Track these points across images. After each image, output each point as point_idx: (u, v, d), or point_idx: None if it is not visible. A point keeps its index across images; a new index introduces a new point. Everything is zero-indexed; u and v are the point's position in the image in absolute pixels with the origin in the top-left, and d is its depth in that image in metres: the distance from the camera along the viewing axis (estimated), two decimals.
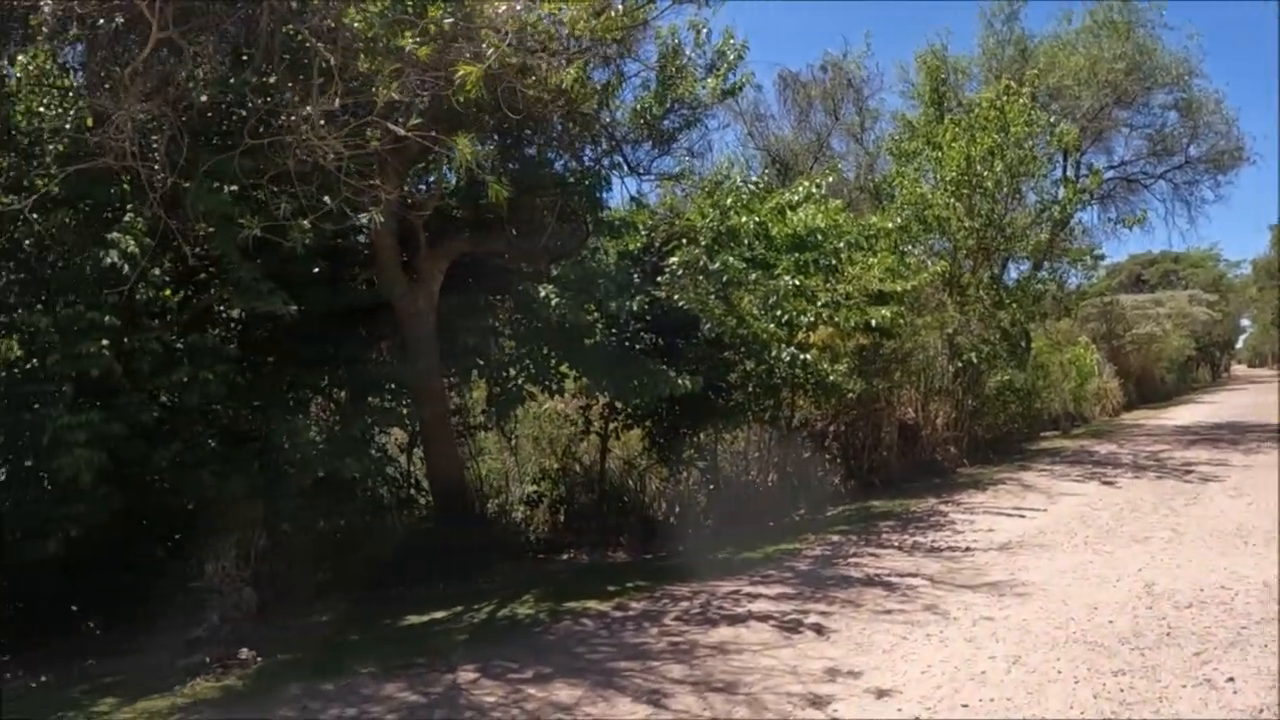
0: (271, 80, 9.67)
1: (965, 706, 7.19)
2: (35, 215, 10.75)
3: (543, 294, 13.47)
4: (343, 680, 8.59)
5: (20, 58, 10.43)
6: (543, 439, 17.15)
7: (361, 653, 9.46)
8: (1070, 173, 30.66)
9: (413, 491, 14.45)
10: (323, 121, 8.79)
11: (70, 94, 11.03)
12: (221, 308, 12.21)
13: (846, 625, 9.48)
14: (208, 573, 10.27)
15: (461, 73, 8.31)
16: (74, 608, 10.34)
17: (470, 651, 9.32)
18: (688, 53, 13.92)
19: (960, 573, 11.49)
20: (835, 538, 14.15)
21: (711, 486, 16.57)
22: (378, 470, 13.25)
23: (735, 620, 9.88)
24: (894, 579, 11.30)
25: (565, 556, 14.29)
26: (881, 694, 7.52)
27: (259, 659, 9.52)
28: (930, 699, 7.37)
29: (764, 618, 9.89)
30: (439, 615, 10.99)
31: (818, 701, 7.40)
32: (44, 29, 9.62)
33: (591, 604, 10.90)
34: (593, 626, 10.09)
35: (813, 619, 9.75)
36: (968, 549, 12.77)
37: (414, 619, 10.90)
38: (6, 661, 9.95)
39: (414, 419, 13.91)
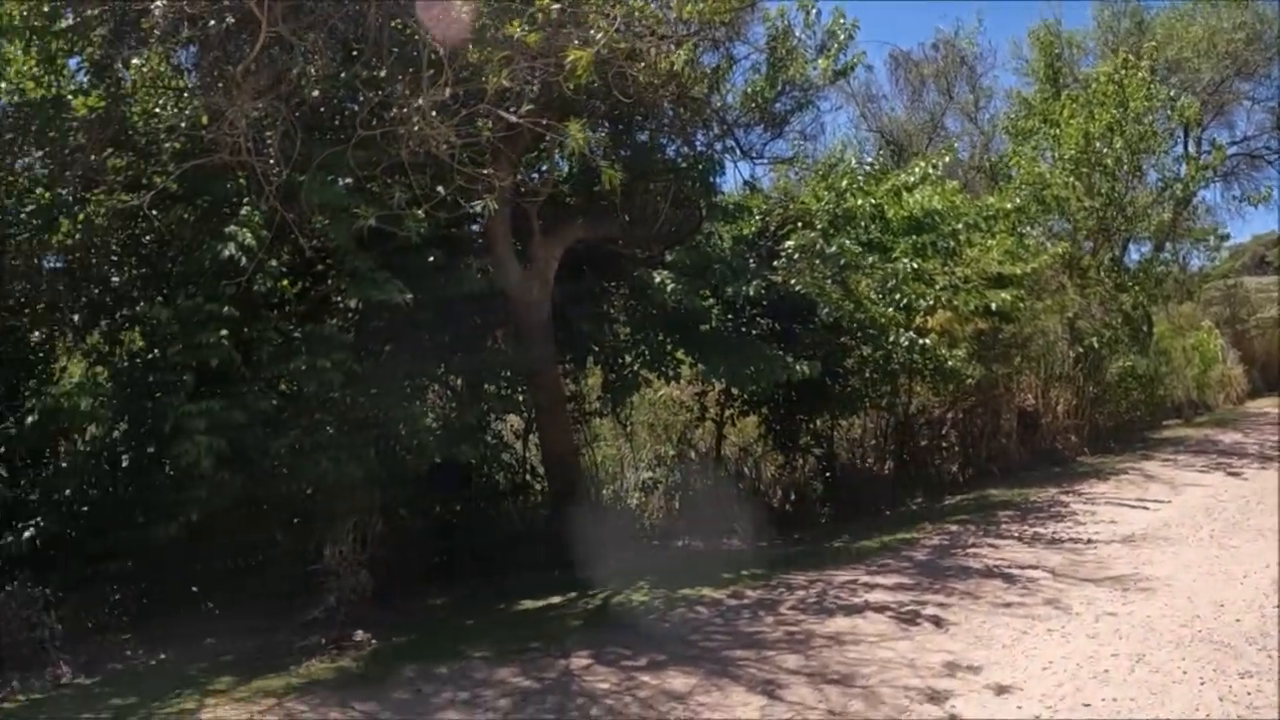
0: (381, 73, 9.73)
1: (1087, 706, 6.95)
2: (154, 212, 11.04)
3: (658, 280, 13.40)
4: (456, 664, 8.66)
5: (135, 61, 10.66)
6: (658, 425, 17.13)
7: (475, 637, 9.53)
8: (1191, 149, 29.73)
9: (528, 478, 14.48)
10: (434, 112, 8.83)
11: (184, 94, 11.29)
12: (338, 297, 12.38)
13: (965, 618, 9.27)
14: (325, 556, 10.42)
15: (572, 58, 8.30)
16: (194, 589, 10.57)
17: (584, 637, 9.33)
18: (798, 34, 13.75)
19: (1082, 566, 11.15)
20: (953, 527, 13.87)
21: (827, 474, 16.41)
22: (493, 457, 13.33)
23: (852, 610, 9.73)
24: (1014, 571, 11.02)
25: (680, 543, 14.21)
26: (1001, 690, 7.32)
27: (374, 641, 9.66)
28: (1051, 697, 7.14)
29: (881, 608, 9.73)
30: (553, 600, 11.02)
31: (936, 697, 7.24)
32: (156, 31, 9.81)
33: (706, 592, 10.80)
34: (707, 614, 10.01)
35: (931, 610, 9.55)
36: (1090, 541, 12.38)
37: (528, 604, 10.94)
38: (128, 640, 10.27)
39: (529, 406, 13.94)
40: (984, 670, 7.77)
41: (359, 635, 9.74)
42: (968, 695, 7.26)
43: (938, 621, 9.19)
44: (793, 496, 16.03)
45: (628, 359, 14.71)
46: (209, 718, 7.77)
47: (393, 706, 7.77)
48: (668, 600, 10.62)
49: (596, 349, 14.57)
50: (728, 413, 16.05)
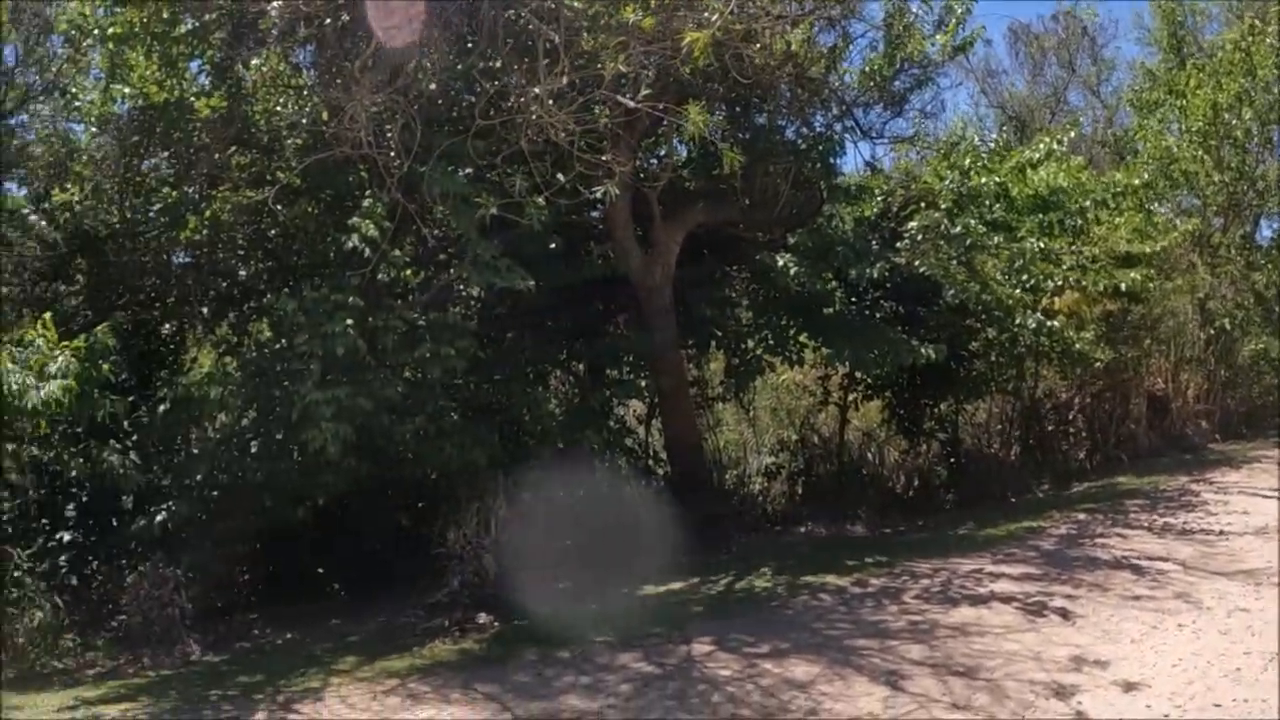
0: (497, 64, 9.80)
1: (1218, 706, 6.67)
2: (279, 206, 11.40)
3: (780, 263, 13.25)
4: (578, 648, 8.72)
5: (254, 61, 10.91)
6: (780, 410, 17.04)
7: (597, 621, 9.56)
8: None
9: (651, 463, 14.54)
10: (551, 100, 8.87)
11: (304, 91, 11.53)
12: (461, 285, 12.54)
13: (1093, 610, 9.00)
14: (449, 540, 10.56)
15: (688, 40, 8.23)
16: (320, 571, 10.79)
17: (706, 624, 9.31)
18: (914, 10, 13.45)
19: (1214, 558, 10.70)
20: (1081, 516, 13.46)
21: (951, 460, 16.15)
22: (616, 442, 13.37)
23: (977, 600, 9.54)
24: (1143, 562, 10.65)
25: (803, 529, 14.04)
26: (1129, 687, 7.08)
27: (496, 624, 9.83)
28: (1180, 695, 6.87)
29: (1007, 599, 9.51)
30: (675, 586, 11.02)
31: (1062, 692, 7.05)
32: (273, 32, 10.03)
33: (829, 579, 10.70)
34: (830, 602, 9.92)
35: (1058, 602, 9.29)
36: (1222, 533, 11.86)
37: (650, 589, 10.97)
38: (255, 619, 10.63)
39: (652, 391, 13.96)
40: (1111, 665, 7.54)
41: (482, 618, 9.89)
42: (1094, 691, 7.05)
43: (1065, 614, 8.94)
44: (916, 482, 15.84)
45: (750, 343, 14.58)
46: (333, 696, 7.95)
47: (514, 689, 7.86)
48: (790, 587, 10.54)
49: (719, 333, 14.49)
50: (851, 397, 15.86)
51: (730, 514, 13.64)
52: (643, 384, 13.73)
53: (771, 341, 14.32)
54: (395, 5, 9.07)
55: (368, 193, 10.56)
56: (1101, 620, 8.70)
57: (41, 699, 8.31)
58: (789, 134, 13.44)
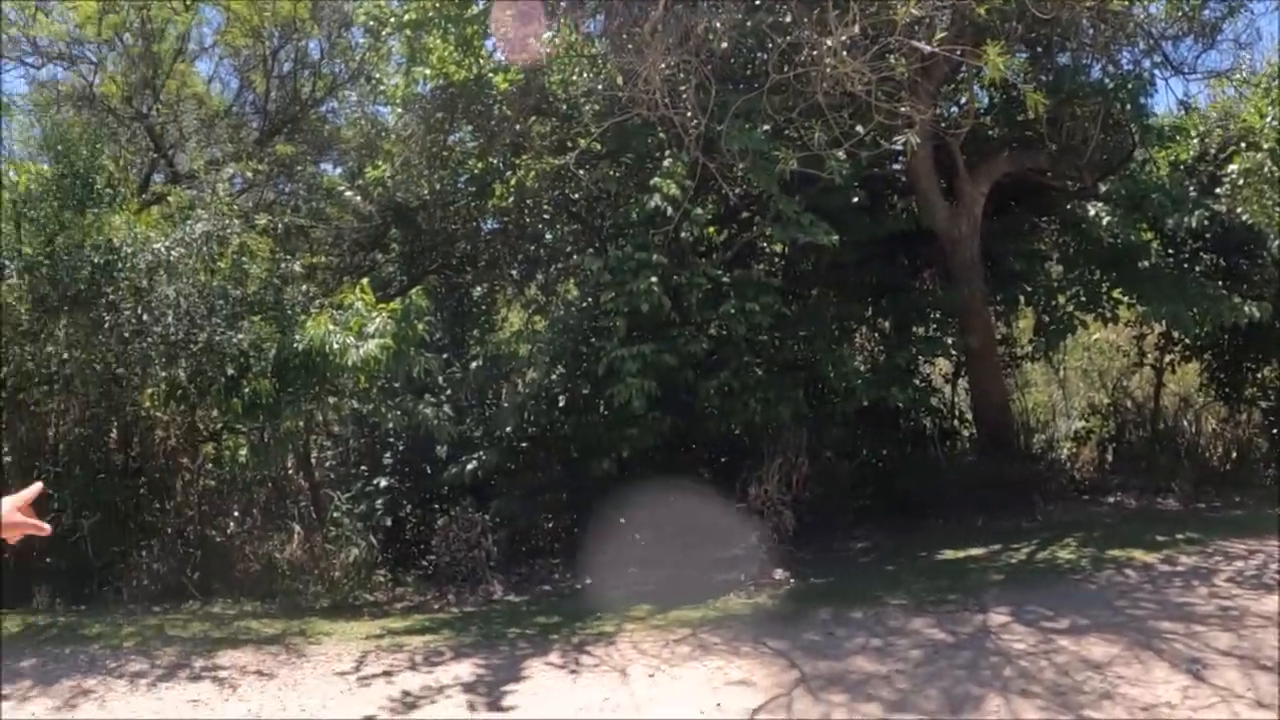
0: (787, 18, 9.74)
1: None
2: (581, 171, 11.78)
3: (1091, 212, 12.53)
4: (871, 609, 8.61)
5: (545, 34, 11.21)
6: (1092, 371, 16.27)
7: (893, 584, 9.43)
8: None
9: (955, 423, 14.22)
10: (845, 50, 8.73)
11: (597, 59, 11.79)
12: (763, 241, 12.61)
13: None
14: (750, 495, 10.65)
15: None
16: (621, 521, 11.09)
17: (1004, 593, 8.95)
18: None
19: None
20: None
21: (1275, 431, 14.91)
22: (922, 401, 12.99)
23: None
24: None
25: (1111, 500, 13.33)
26: None
27: (791, 580, 9.84)
28: None
29: None
30: (975, 552, 10.66)
31: None
32: (563, 3, 10.28)
33: (1136, 554, 10.00)
34: (1135, 579, 9.30)
35: None
36: None
37: (949, 554, 10.67)
38: (556, 564, 11.24)
39: (959, 349, 13.59)
40: None
41: (778, 574, 9.94)
42: None
43: None
44: (1234, 454, 14.76)
45: (1060, 299, 13.86)
46: (625, 642, 8.20)
47: (804, 646, 7.85)
48: (1094, 560, 9.92)
49: (1028, 289, 13.83)
50: (1167, 359, 14.84)
51: (1036, 480, 13.08)
52: (949, 341, 13.34)
53: (1083, 297, 13.55)
54: None
55: (667, 153, 10.79)
56: None
57: (351, 627, 9.01)
58: (1094, 73, 12.64)
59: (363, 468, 11.89)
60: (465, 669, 7.78)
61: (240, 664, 7.96)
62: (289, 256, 11.16)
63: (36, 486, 2.56)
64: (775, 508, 10.58)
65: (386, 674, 7.72)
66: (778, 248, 12.93)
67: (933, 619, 8.31)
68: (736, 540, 10.42)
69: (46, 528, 2.51)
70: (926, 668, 7.30)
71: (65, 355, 9.88)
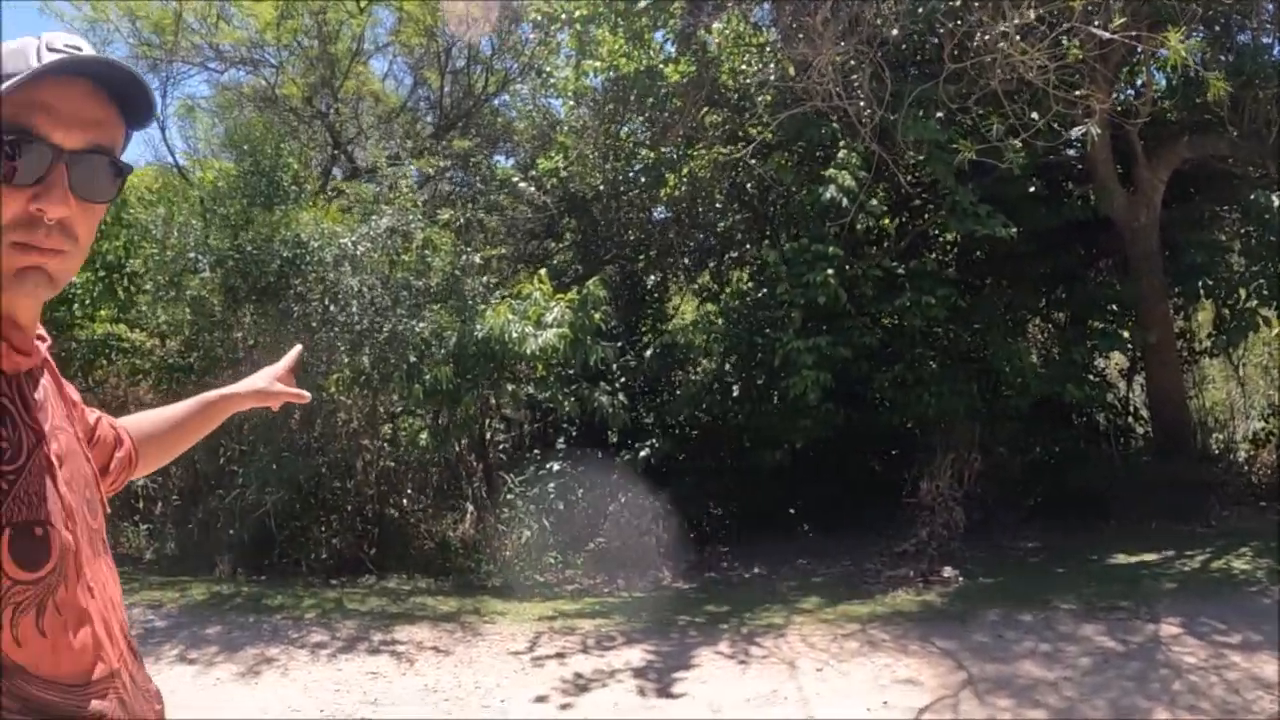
0: (959, 3, 9.61)
1: None
2: (754, 161, 11.72)
3: (1276, 202, 12.07)
4: (1041, 613, 8.41)
5: (715, 26, 11.29)
6: (1274, 369, 15.60)
7: (1063, 587, 9.17)
8: None
9: (1131, 420, 13.81)
10: (1020, 36, 8.58)
11: (767, 49, 11.79)
12: (937, 232, 12.45)
13: None
14: (921, 490, 10.50)
15: None
16: (791, 511, 11.13)
17: (1176, 603, 8.58)
18: None
19: None
20: None
21: None
22: (1097, 397, 12.68)
23: None
24: None
25: None
26: None
27: (961, 579, 9.69)
28: None
29: None
30: (1148, 558, 10.24)
31: None
32: None
33: None
34: None
35: None
36: None
37: (1121, 558, 10.28)
38: (725, 552, 11.23)
39: (1135, 343, 13.21)
40: None
41: (947, 571, 9.81)
42: None
43: None
44: None
45: (1242, 293, 13.37)
46: (795, 634, 8.20)
47: (972, 648, 7.75)
48: (1270, 573, 9.37)
49: (1208, 281, 13.37)
50: None
51: (1213, 482, 12.57)
52: (1126, 336, 12.96)
53: (1266, 291, 13.05)
54: None
55: (841, 143, 10.72)
56: None
57: (524, 608, 9.22)
58: (1277, 53, 12.19)
59: (535, 451, 12.15)
60: (636, 654, 7.90)
61: (417, 639, 8.26)
62: (468, 248, 11.47)
63: (296, 349, 2.50)
64: (946, 503, 10.41)
65: (559, 656, 7.89)
66: (950, 236, 12.76)
67: (1103, 626, 8.08)
68: (906, 535, 10.33)
69: (306, 395, 2.45)
70: (1095, 677, 7.12)
71: (252, 342, 10.38)
